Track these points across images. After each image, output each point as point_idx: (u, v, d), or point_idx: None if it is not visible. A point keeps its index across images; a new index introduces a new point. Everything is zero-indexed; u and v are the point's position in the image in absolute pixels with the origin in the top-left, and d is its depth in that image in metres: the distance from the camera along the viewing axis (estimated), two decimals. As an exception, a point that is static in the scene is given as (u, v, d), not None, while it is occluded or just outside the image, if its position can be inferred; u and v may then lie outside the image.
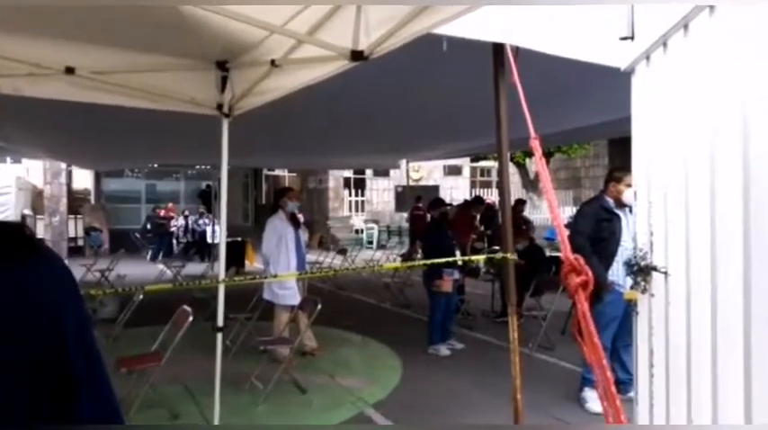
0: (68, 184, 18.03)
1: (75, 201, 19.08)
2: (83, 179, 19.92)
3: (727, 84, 1.62)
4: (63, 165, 16.38)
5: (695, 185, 1.82)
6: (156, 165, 17.23)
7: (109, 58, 3.21)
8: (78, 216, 18.26)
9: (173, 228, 16.90)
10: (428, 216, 6.82)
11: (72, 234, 17.83)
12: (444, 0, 2.08)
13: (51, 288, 0.72)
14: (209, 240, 14.98)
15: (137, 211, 20.11)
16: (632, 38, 2.10)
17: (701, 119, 1.75)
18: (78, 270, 11.58)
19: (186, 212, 17.28)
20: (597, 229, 4.19)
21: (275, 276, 5.32)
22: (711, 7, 1.70)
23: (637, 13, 2.12)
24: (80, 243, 17.82)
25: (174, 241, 16.70)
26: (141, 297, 4.91)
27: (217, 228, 14.71)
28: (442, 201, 6.75)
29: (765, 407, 1.45)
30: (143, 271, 12.63)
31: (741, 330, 1.55)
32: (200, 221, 16.51)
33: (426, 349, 5.85)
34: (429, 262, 5.54)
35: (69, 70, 3.06)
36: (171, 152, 9.48)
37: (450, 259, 5.32)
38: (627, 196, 4.05)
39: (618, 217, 4.18)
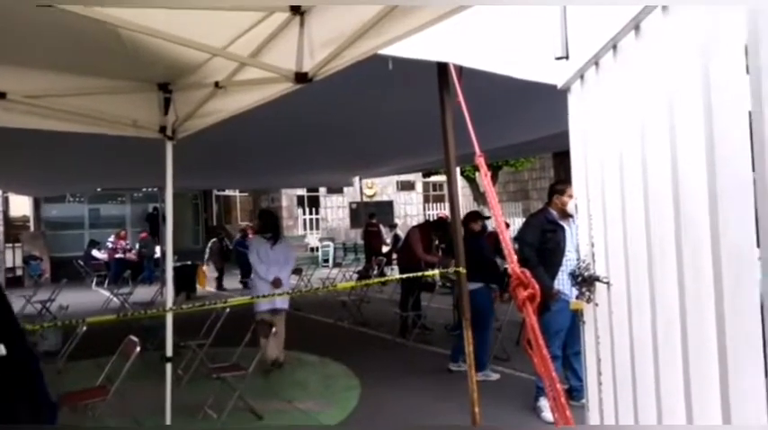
0: (5, 211, 17.20)
1: (13, 229, 18.18)
2: (21, 205, 19.00)
3: (654, 99, 1.70)
4: (-2, 192, 15.61)
5: (630, 197, 1.90)
6: (99, 190, 16.54)
7: (44, 81, 3.10)
8: (17, 244, 17.37)
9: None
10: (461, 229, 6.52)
11: (10, 264, 16.95)
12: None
13: None
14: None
15: (79, 238, 19.26)
16: (567, 57, 2.19)
17: (632, 134, 1.84)
18: (17, 301, 10.98)
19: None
20: (542, 240, 4.31)
21: (225, 302, 5.19)
22: (637, 28, 1.80)
23: (570, 33, 2.21)
24: (19, 273, 16.94)
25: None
26: (85, 328, 4.70)
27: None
28: (479, 214, 6.25)
29: (706, 408, 1.51)
30: (88, 299, 12.09)
31: (679, 335, 1.61)
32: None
33: (383, 368, 5.81)
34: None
35: (0, 95, 2.93)
36: (116, 175, 9.16)
37: (405, 275, 5.32)
38: (571, 206, 4.21)
39: (562, 228, 4.32)
